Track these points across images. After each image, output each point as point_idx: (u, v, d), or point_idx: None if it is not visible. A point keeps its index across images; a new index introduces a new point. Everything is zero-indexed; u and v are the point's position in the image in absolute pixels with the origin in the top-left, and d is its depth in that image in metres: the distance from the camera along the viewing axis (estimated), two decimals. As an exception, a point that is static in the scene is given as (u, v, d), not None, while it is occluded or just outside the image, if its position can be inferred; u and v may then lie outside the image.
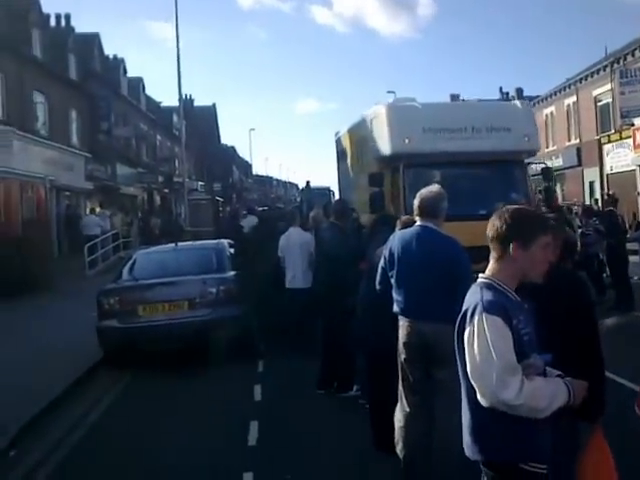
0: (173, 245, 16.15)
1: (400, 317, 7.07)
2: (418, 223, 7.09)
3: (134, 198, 51.90)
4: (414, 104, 18.11)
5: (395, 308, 7.12)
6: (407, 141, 16.35)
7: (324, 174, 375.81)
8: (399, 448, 7.12)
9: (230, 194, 79.28)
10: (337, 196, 29.08)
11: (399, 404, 7.19)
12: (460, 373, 4.07)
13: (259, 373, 12.20)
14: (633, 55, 37.78)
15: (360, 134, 21.12)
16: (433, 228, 7.00)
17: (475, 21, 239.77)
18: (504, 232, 4.00)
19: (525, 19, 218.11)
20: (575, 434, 4.98)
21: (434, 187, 7.43)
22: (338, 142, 27.13)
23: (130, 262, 14.67)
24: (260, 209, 29.63)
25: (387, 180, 17.15)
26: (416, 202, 7.14)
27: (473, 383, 3.85)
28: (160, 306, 12.77)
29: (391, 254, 7.13)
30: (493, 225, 4.07)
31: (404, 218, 8.01)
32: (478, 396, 3.82)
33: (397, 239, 7.16)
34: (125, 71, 53.28)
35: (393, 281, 7.11)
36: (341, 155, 26.63)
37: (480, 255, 4.65)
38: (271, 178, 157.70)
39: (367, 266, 8.61)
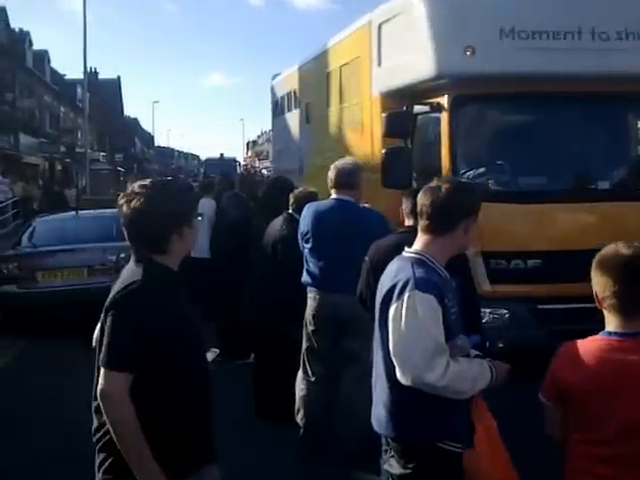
0: (74, 213, 15.85)
1: (310, 289, 6.81)
2: (333, 196, 6.74)
3: (36, 167, 50.66)
4: None
5: (306, 279, 6.84)
6: (468, 53, 8.50)
7: (228, 146, 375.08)
8: (299, 417, 6.98)
9: (131, 164, 78.24)
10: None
11: (301, 373, 7.00)
12: (378, 348, 3.83)
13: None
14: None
15: (347, 57, 12.42)
16: (349, 200, 6.67)
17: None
18: (452, 206, 3.70)
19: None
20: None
21: (348, 158, 7.18)
22: (280, 86, 19.27)
23: (30, 229, 14.29)
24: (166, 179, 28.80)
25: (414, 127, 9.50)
26: (331, 174, 6.70)
27: (394, 360, 3.59)
28: (59, 273, 12.49)
29: (305, 226, 6.78)
30: (435, 196, 3.72)
31: (297, 192, 7.69)
32: (398, 374, 3.57)
33: (311, 211, 6.79)
34: (31, 44, 52.00)
35: (306, 252, 6.79)
36: (285, 106, 18.51)
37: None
38: (172, 149, 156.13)
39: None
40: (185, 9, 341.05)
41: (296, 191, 7.76)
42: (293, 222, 7.29)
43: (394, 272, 3.75)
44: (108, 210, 17.03)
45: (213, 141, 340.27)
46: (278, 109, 19.72)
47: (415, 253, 3.76)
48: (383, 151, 8.95)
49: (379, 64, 10.43)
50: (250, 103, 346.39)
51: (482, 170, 8.79)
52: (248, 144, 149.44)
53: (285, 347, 7.39)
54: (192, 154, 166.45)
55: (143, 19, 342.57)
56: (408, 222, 5.32)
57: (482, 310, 6.28)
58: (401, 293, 3.56)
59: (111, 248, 12.79)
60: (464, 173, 8.65)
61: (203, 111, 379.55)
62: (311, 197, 7.34)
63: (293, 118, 17.21)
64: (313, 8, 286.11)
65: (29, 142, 47.61)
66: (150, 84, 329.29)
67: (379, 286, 3.88)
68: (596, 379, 3.21)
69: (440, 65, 8.69)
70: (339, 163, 6.84)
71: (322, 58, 14.37)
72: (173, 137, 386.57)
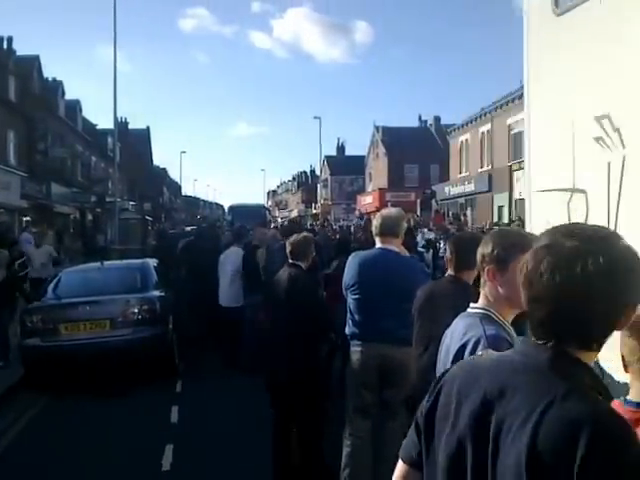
0: (98, 264, 15.60)
1: (354, 342, 6.69)
2: (378, 245, 6.66)
3: (67, 217, 50.70)
4: None
5: (353, 331, 6.70)
6: None
7: (250, 195, 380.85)
8: (346, 474, 6.69)
9: (159, 214, 78.50)
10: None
11: (347, 429, 6.80)
12: None
13: (177, 393, 11.66)
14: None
15: None
16: (392, 250, 6.57)
17: (409, 49, 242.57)
18: (501, 250, 3.22)
19: (453, 47, 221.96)
20: None
21: (393, 208, 7.19)
22: None
23: (55, 280, 13.95)
24: (190, 228, 28.61)
25: None
26: (376, 222, 6.67)
27: None
28: (82, 325, 12.13)
29: (350, 278, 6.71)
30: (496, 245, 3.27)
31: None
32: None
33: (356, 262, 6.72)
34: (63, 93, 52.11)
35: (350, 303, 6.70)
36: None
37: None
38: (198, 199, 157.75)
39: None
40: (216, 61, 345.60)
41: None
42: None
43: (461, 331, 3.30)
44: (134, 260, 16.87)
45: (236, 190, 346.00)
46: None
47: (481, 309, 3.32)
48: None
49: None
50: (270, 153, 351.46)
51: None
52: (269, 193, 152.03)
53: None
54: (217, 203, 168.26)
55: (175, 70, 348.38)
56: (450, 270, 4.83)
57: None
58: (473, 354, 3.07)
59: (134, 299, 12.56)
60: None
61: (227, 160, 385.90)
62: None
63: None
64: (335, 62, 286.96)
65: (61, 191, 47.65)
66: (178, 134, 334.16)
67: (442, 349, 3.44)
68: None
69: None
70: (384, 211, 6.85)
71: None
72: (199, 186, 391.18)
